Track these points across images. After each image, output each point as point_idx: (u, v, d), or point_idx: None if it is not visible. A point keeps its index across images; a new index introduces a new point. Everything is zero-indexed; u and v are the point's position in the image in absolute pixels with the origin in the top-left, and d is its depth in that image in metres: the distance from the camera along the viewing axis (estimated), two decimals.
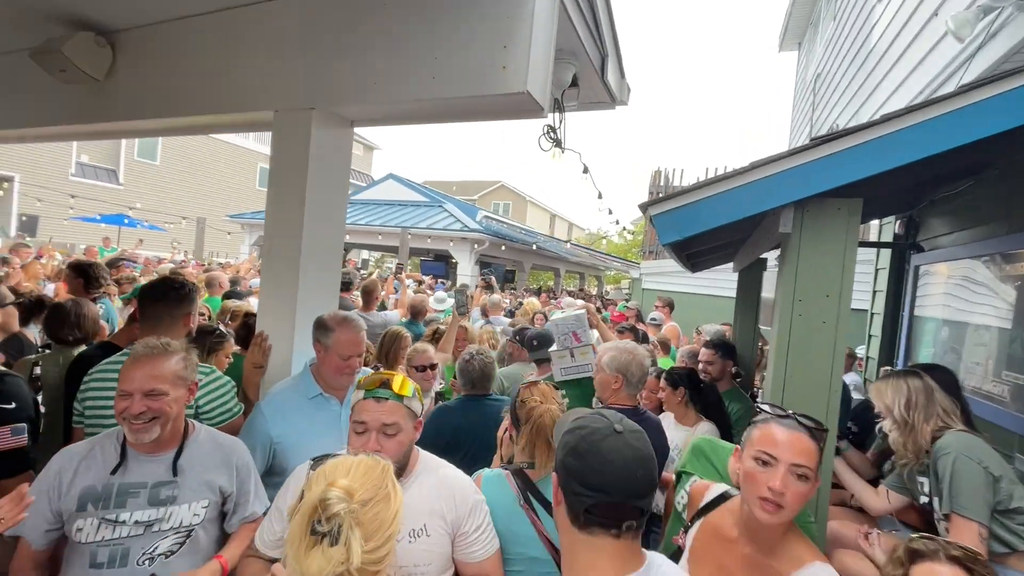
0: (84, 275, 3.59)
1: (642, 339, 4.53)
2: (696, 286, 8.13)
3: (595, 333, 3.36)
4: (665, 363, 4.49)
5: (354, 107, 2.35)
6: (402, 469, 1.48)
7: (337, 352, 2.10)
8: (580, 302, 6.96)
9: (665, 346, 5.32)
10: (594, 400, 2.67)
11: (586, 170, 3.40)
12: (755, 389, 4.25)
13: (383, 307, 6.64)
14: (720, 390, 3.05)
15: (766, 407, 1.40)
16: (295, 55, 2.40)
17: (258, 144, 26.55)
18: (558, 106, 2.71)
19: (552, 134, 2.57)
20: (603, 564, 0.97)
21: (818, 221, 1.98)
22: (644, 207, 2.17)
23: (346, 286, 5.64)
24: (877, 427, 2.37)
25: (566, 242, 21.47)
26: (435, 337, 4.17)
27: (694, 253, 4.14)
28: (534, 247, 14.24)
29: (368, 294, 5.37)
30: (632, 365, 2.41)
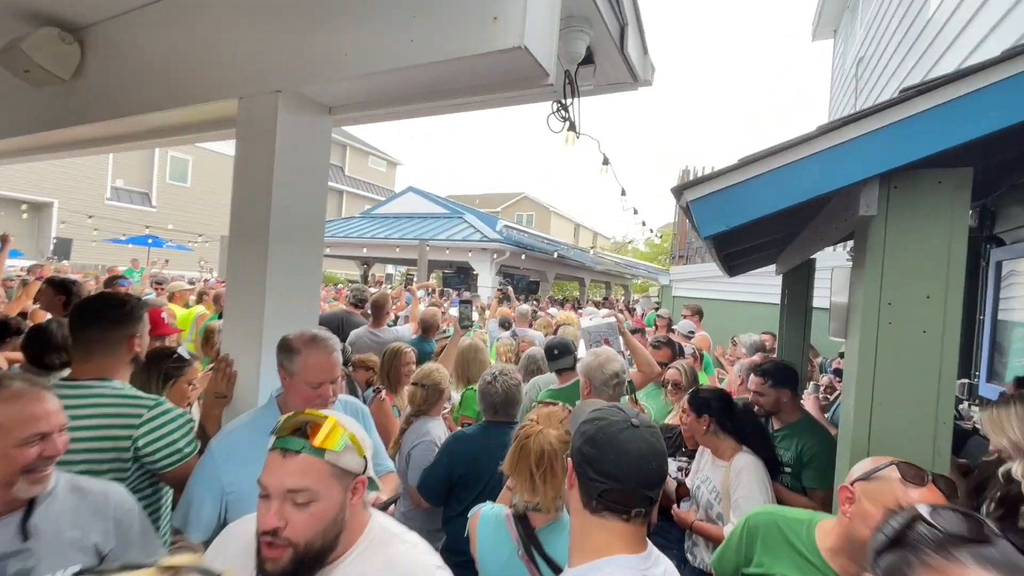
0: (66, 292, 3.35)
1: (679, 352, 4.04)
2: (731, 292, 7.52)
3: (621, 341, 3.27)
4: (702, 378, 3.98)
5: (325, 86, 2.00)
6: (327, 550, 1.07)
7: (304, 379, 1.73)
8: (604, 311, 6.51)
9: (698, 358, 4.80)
10: None
11: (606, 161, 2.98)
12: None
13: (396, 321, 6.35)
14: (782, 423, 2.46)
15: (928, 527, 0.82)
16: (258, 35, 2.07)
17: None
18: (571, 84, 2.31)
19: (563, 112, 2.16)
20: (614, 544, 1.03)
21: (912, 199, 1.51)
22: (678, 191, 1.73)
23: (360, 303, 5.31)
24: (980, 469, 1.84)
25: (590, 248, 20.90)
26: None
27: (732, 254, 3.64)
28: (555, 255, 13.76)
29: (378, 308, 5.03)
30: (595, 370, 2.34)
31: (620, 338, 3.05)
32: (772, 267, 5.33)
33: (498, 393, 2.29)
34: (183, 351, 2.26)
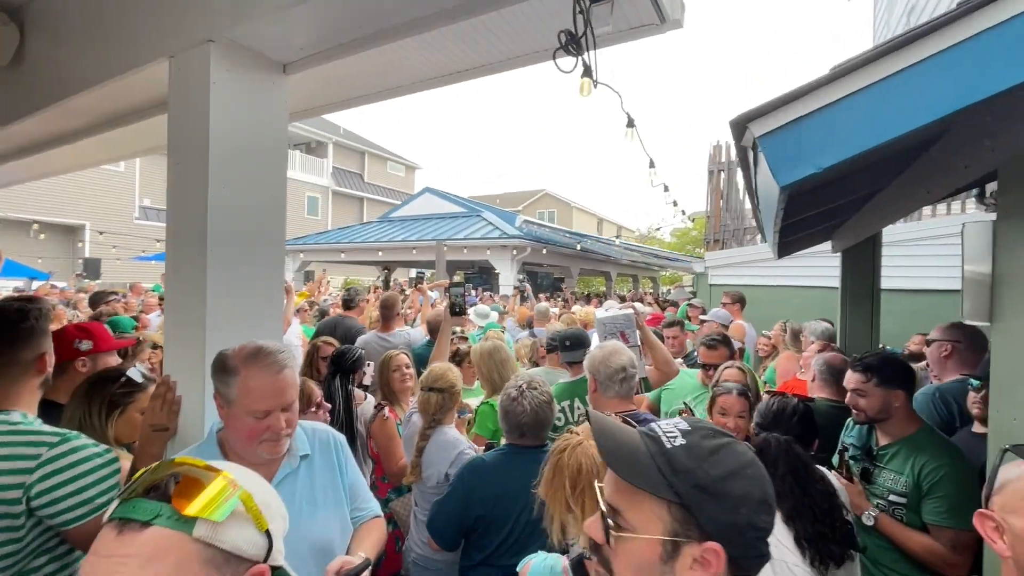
0: None
1: (736, 352, 3.52)
2: (776, 276, 6.82)
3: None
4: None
5: (267, 28, 1.57)
6: None
7: (246, 407, 1.30)
8: (614, 303, 5.98)
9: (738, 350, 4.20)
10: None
11: (631, 123, 2.47)
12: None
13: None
14: (890, 437, 1.84)
15: None
16: None
17: (303, 173, 27.25)
18: (583, 13, 1.82)
19: (573, 47, 1.68)
20: None
21: None
22: (739, 125, 1.23)
23: (347, 304, 4.93)
24: None
25: (615, 238, 20.14)
26: (456, 359, 3.34)
27: (787, 227, 3.08)
28: (578, 248, 13.13)
29: (387, 310, 4.62)
30: (599, 363, 2.10)
31: (637, 332, 2.81)
32: (824, 247, 4.70)
33: (525, 412, 1.83)
34: (135, 372, 1.86)
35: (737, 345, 3.51)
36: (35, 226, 16.62)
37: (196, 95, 1.60)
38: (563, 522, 1.25)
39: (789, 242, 3.93)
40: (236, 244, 1.63)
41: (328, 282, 11.04)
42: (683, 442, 0.68)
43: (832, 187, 2.17)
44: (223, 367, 1.33)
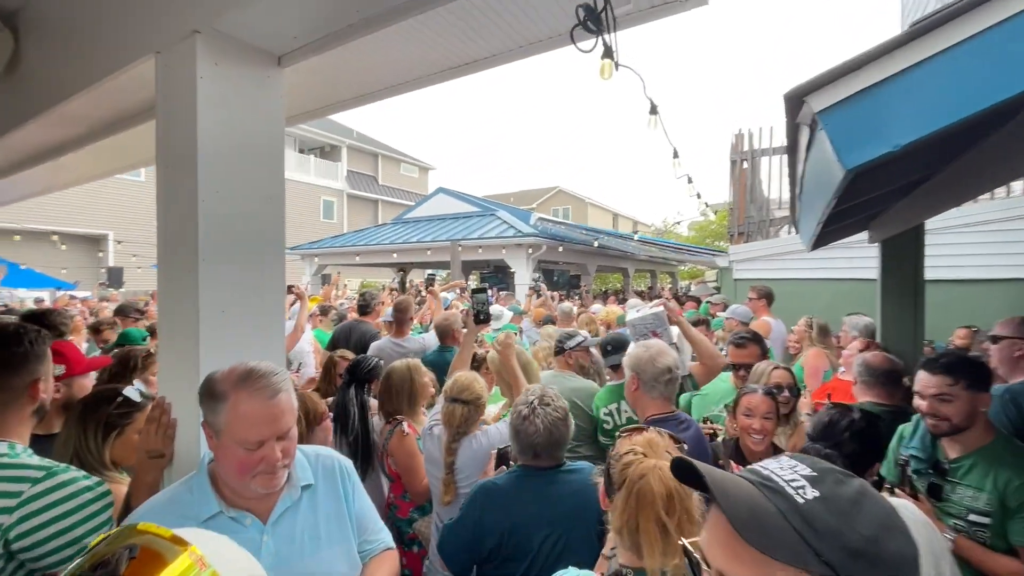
0: (40, 324, 3.04)
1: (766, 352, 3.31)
2: (806, 269, 6.50)
3: (675, 330, 2.85)
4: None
5: (258, 16, 1.43)
6: None
7: (235, 437, 1.16)
8: (638, 302, 5.77)
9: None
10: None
11: (654, 110, 2.29)
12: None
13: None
14: (964, 448, 1.62)
15: None
16: None
17: (318, 177, 27.44)
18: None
19: (592, 23, 1.51)
20: None
21: None
22: (795, 99, 1.05)
23: (362, 309, 4.82)
24: None
25: (633, 233, 19.76)
26: (472, 365, 3.19)
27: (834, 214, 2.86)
28: (595, 244, 12.85)
29: (401, 314, 4.49)
30: (646, 363, 2.03)
31: (670, 329, 2.76)
32: (857, 237, 4.44)
33: (538, 432, 1.67)
34: (132, 391, 1.75)
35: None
36: (54, 237, 16.99)
37: (183, 93, 1.47)
38: (654, 553, 1.07)
39: (825, 233, 3.70)
40: (230, 253, 1.50)
41: (345, 285, 11.02)
42: (816, 493, 0.53)
43: (884, 170, 1.97)
44: (210, 392, 1.19)
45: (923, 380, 1.66)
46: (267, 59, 1.63)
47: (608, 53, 1.71)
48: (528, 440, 1.67)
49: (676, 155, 3.23)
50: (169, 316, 1.53)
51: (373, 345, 4.26)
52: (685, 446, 1.28)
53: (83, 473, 1.34)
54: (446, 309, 6.09)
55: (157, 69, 1.57)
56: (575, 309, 6.23)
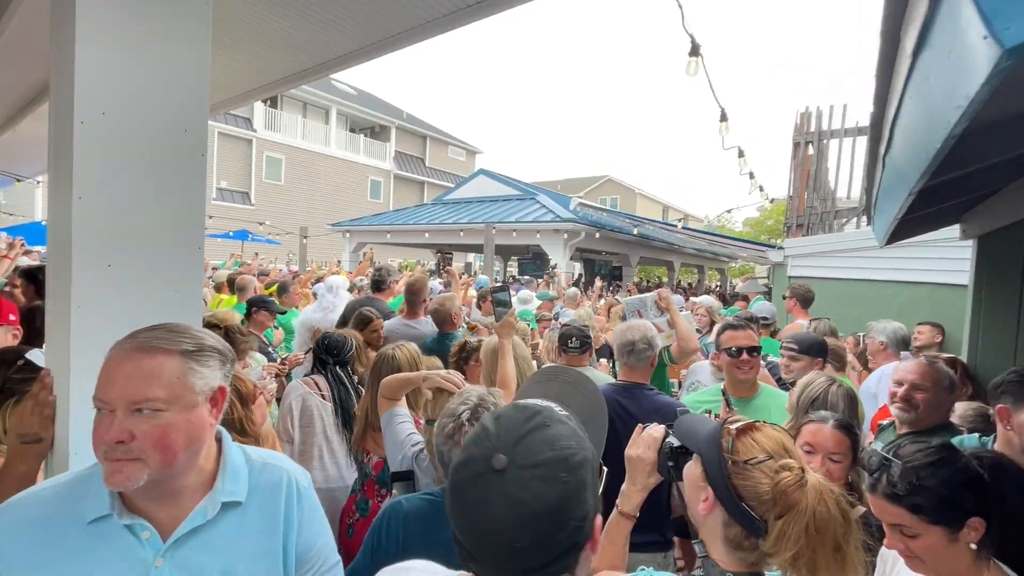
0: (35, 282, 3.01)
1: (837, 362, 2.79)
2: (872, 269, 5.69)
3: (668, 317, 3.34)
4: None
5: None
6: None
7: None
8: (702, 298, 5.27)
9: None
10: None
11: (724, 117, 1.82)
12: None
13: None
14: None
15: None
16: None
17: (367, 157, 27.80)
18: None
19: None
20: None
21: None
22: None
23: (376, 285, 4.56)
24: None
25: (679, 220, 18.72)
26: (463, 355, 2.80)
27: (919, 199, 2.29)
28: (635, 232, 12.12)
29: (413, 295, 4.19)
30: (616, 336, 2.36)
31: (650, 309, 3.31)
32: (940, 233, 3.75)
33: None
34: (37, 354, 1.51)
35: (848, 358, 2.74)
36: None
37: (62, 36, 1.15)
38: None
39: (907, 222, 3.07)
40: (117, 189, 1.19)
41: (374, 262, 10.93)
42: None
43: (1003, 130, 1.44)
44: None
45: None
46: None
47: (695, 49, 1.29)
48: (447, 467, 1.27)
49: (741, 154, 2.76)
50: (51, 271, 1.25)
51: (384, 324, 4.00)
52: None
53: None
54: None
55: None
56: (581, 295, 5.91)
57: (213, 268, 10.24)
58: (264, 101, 24.39)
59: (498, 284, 2.70)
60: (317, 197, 25.84)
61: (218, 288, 6.05)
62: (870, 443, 2.07)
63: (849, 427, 1.64)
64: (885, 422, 2.15)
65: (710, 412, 2.30)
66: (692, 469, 1.05)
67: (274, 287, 5.52)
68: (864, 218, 7.00)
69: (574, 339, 2.77)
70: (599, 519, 0.69)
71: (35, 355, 1.52)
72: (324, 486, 2.34)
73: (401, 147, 29.83)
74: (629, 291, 8.59)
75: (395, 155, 29.22)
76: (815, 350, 2.53)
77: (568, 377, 1.42)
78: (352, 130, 28.19)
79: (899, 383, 1.97)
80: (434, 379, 1.62)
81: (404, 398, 1.82)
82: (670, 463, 1.07)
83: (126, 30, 1.16)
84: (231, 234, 18.76)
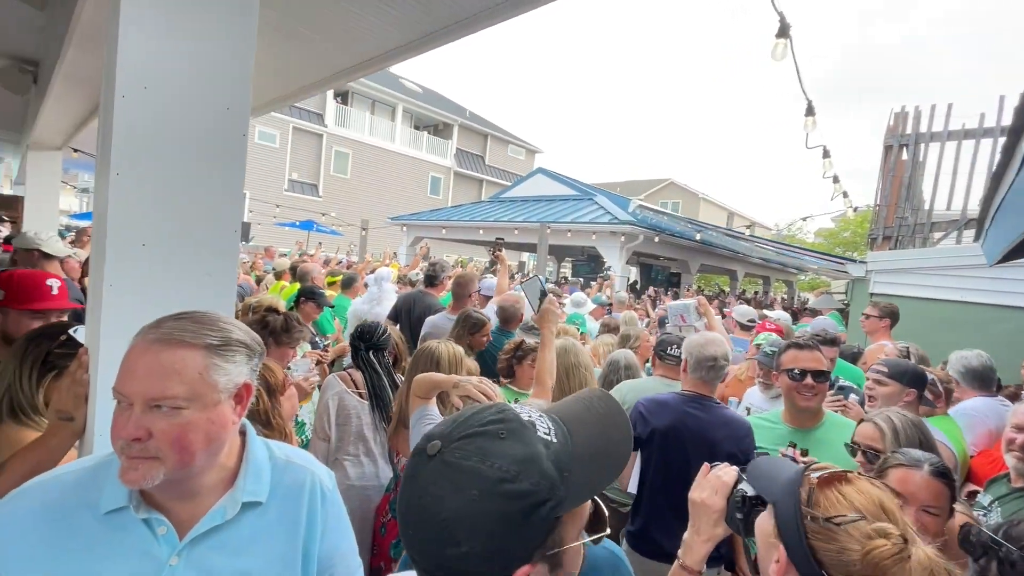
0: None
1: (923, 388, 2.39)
2: (970, 291, 5.03)
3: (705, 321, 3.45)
4: (949, 430, 2.24)
5: None
6: None
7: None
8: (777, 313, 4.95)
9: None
10: None
11: (811, 111, 1.63)
12: None
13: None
14: None
15: None
16: None
17: (429, 154, 28.41)
18: None
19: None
20: None
21: None
22: None
23: (429, 280, 4.55)
24: None
25: (746, 228, 17.72)
26: (517, 353, 2.71)
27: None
28: (697, 238, 11.54)
29: (460, 288, 4.17)
30: (695, 348, 2.20)
31: (693, 314, 3.38)
32: None
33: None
34: (81, 332, 1.53)
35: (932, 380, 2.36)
36: None
37: (109, 9, 1.13)
38: None
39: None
40: (152, 164, 1.15)
41: (428, 256, 11.09)
42: None
43: None
44: None
45: None
46: None
47: (783, 30, 1.11)
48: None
49: (827, 154, 2.48)
50: (93, 248, 1.24)
51: (428, 320, 3.98)
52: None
53: None
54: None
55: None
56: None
57: (280, 255, 10.76)
58: (335, 97, 25.49)
59: (529, 277, 2.61)
60: (380, 191, 26.72)
61: (279, 275, 6.28)
62: (976, 499, 1.76)
63: (947, 473, 1.38)
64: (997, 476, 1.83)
65: (795, 446, 2.04)
66: (765, 520, 0.87)
67: (339, 277, 5.61)
68: (964, 232, 6.24)
69: (675, 347, 2.66)
70: (524, 570, 0.56)
71: (81, 332, 1.54)
72: (358, 483, 2.29)
73: (462, 144, 30.25)
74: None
75: (456, 152, 29.67)
76: (908, 378, 2.19)
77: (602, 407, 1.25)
78: (416, 127, 28.87)
79: (1019, 428, 1.66)
80: (465, 386, 1.51)
81: (436, 398, 1.73)
82: (739, 515, 0.89)
83: (170, 2, 1.12)
84: (298, 223, 19.76)
